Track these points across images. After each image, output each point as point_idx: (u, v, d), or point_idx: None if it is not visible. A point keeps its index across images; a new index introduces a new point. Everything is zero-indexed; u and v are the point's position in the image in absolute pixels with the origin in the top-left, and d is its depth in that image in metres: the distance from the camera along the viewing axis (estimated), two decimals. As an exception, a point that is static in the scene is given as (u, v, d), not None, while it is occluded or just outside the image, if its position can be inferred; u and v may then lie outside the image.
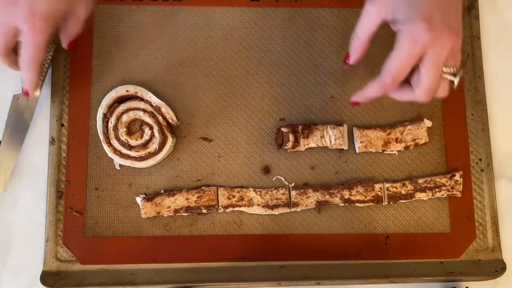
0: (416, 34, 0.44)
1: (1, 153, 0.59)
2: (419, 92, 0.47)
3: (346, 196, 0.58)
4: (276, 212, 0.58)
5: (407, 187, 0.59)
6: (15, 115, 0.60)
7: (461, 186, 0.59)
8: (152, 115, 0.57)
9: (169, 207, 0.58)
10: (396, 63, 0.46)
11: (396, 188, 0.59)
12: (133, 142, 0.57)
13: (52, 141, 0.59)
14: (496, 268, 0.58)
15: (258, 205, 0.58)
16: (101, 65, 0.60)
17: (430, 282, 0.58)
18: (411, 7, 0.45)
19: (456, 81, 0.48)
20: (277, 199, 0.58)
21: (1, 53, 0.52)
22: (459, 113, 0.61)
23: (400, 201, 0.59)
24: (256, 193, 0.58)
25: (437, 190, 0.59)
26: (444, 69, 0.47)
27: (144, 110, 0.57)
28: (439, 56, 0.45)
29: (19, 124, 0.59)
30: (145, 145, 0.57)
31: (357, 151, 0.59)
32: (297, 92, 0.60)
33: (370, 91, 0.49)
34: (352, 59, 0.51)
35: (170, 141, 0.57)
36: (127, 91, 0.57)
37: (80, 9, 0.52)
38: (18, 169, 0.60)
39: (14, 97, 0.60)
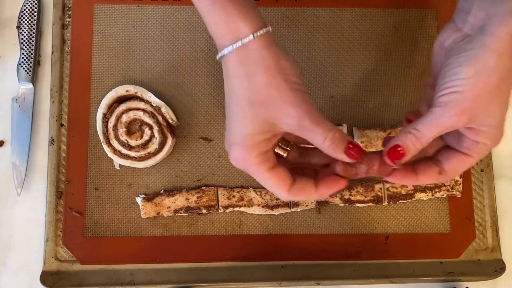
0: (497, 142, 0.42)
1: (13, 156, 0.59)
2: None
3: (346, 196, 0.58)
4: (276, 212, 0.58)
5: (407, 187, 0.59)
6: (16, 117, 0.60)
7: (461, 186, 0.59)
8: (152, 115, 0.57)
9: (169, 207, 0.57)
10: (465, 168, 0.43)
11: (396, 188, 0.59)
12: (133, 142, 0.57)
13: (51, 141, 0.59)
14: (496, 268, 0.58)
15: (258, 205, 0.58)
16: (101, 65, 0.60)
17: (430, 282, 0.58)
18: (499, 121, 0.40)
19: None
20: (277, 199, 0.58)
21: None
22: (459, 113, 0.61)
23: (400, 201, 0.59)
24: (256, 193, 0.58)
25: (437, 190, 0.59)
26: None
27: (144, 110, 0.57)
28: None
29: (22, 125, 0.60)
30: (145, 145, 0.57)
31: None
32: (297, 92, 0.60)
33: (425, 182, 0.43)
34: (407, 159, 0.42)
35: (170, 141, 0.57)
36: (127, 91, 0.57)
37: (280, 123, 0.40)
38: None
39: (12, 100, 0.60)
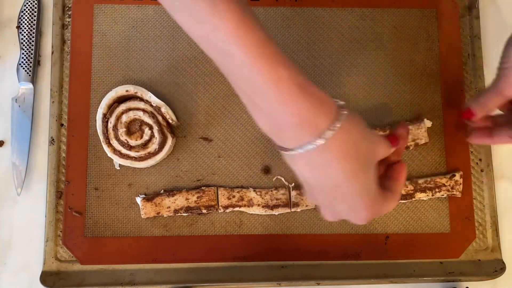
0: None
1: (13, 156, 0.59)
2: None
3: (346, 196, 0.58)
4: (276, 212, 0.58)
5: (407, 187, 0.59)
6: (16, 117, 0.60)
7: (461, 186, 0.59)
8: (152, 115, 0.57)
9: (169, 207, 0.57)
10: None
11: (396, 188, 0.59)
12: (133, 142, 0.57)
13: (51, 141, 0.59)
14: (496, 268, 0.58)
15: (258, 205, 0.58)
16: (101, 65, 0.60)
17: (430, 282, 0.58)
18: None
19: None
20: (277, 199, 0.58)
21: None
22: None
23: (400, 201, 0.59)
24: (256, 193, 0.58)
25: (437, 190, 0.59)
26: None
27: (144, 110, 0.57)
28: None
29: (22, 125, 0.60)
30: (145, 145, 0.57)
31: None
32: (297, 92, 0.60)
33: (500, 142, 0.54)
34: (476, 118, 0.53)
35: (170, 141, 0.57)
36: (127, 91, 0.57)
37: (381, 154, 0.44)
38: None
39: (12, 100, 0.60)
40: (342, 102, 0.40)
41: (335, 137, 0.38)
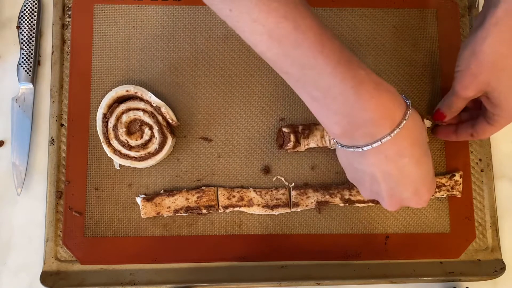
0: (509, 118, 0.50)
1: (13, 156, 0.59)
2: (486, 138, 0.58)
3: (346, 196, 0.58)
4: (276, 212, 0.58)
5: (407, 187, 0.59)
6: (16, 117, 0.60)
7: (461, 186, 0.59)
8: (152, 115, 0.57)
9: (169, 207, 0.58)
10: (492, 132, 0.53)
11: (396, 188, 0.59)
12: (133, 142, 0.57)
13: (51, 141, 0.59)
14: (496, 268, 0.58)
15: (258, 205, 0.58)
16: (101, 65, 0.60)
17: (430, 282, 0.58)
18: (508, 94, 0.48)
19: None
20: (277, 199, 0.58)
21: None
22: (459, 113, 0.61)
23: (400, 201, 0.59)
24: (256, 193, 0.58)
25: (437, 190, 0.59)
26: None
27: (144, 110, 0.57)
28: None
29: (22, 125, 0.60)
30: (145, 145, 0.57)
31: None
32: (297, 92, 0.60)
33: (463, 138, 0.56)
34: (447, 121, 0.56)
35: (170, 141, 0.57)
36: (127, 91, 0.57)
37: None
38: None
39: (12, 100, 0.60)
40: (406, 98, 0.44)
41: (406, 126, 0.42)
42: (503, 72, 0.47)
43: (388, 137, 0.42)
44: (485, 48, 0.46)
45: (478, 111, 0.55)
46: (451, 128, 0.57)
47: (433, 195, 0.59)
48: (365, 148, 0.43)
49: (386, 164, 0.44)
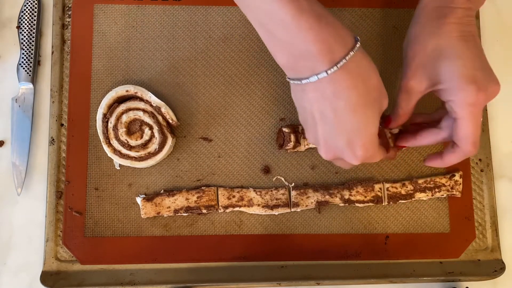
0: (471, 98, 0.45)
1: (13, 156, 0.59)
2: (467, 145, 0.47)
3: (346, 196, 0.58)
4: (276, 212, 0.58)
5: (407, 187, 0.59)
6: (16, 117, 0.60)
7: (461, 186, 0.59)
8: (152, 115, 0.57)
9: (169, 207, 0.58)
10: (470, 130, 0.46)
11: (396, 188, 0.59)
12: (133, 142, 0.57)
13: (51, 141, 0.59)
14: (495, 268, 0.58)
15: (258, 205, 0.58)
16: (101, 65, 0.60)
17: (430, 282, 0.59)
18: (454, 76, 0.45)
19: None
20: (277, 199, 0.58)
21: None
22: (459, 113, 0.61)
23: (400, 201, 0.59)
24: (256, 193, 0.58)
25: (437, 190, 0.59)
26: None
27: (144, 110, 0.57)
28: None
29: (22, 125, 0.60)
30: (145, 145, 0.57)
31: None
32: (297, 92, 0.60)
33: (452, 161, 0.50)
34: (395, 125, 0.52)
35: (170, 141, 0.57)
36: (127, 91, 0.57)
37: (384, 107, 0.46)
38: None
39: (12, 100, 0.60)
40: (358, 38, 0.43)
41: (347, 68, 0.41)
42: (444, 51, 0.46)
43: (324, 74, 0.41)
44: (415, 30, 0.48)
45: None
46: (437, 153, 0.52)
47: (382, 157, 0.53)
48: (303, 81, 0.42)
49: (323, 103, 0.42)
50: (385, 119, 0.53)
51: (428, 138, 0.50)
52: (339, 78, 0.41)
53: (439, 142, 0.50)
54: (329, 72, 0.40)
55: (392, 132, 0.53)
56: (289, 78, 0.44)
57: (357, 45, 0.42)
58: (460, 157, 0.49)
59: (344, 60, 0.41)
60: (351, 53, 0.41)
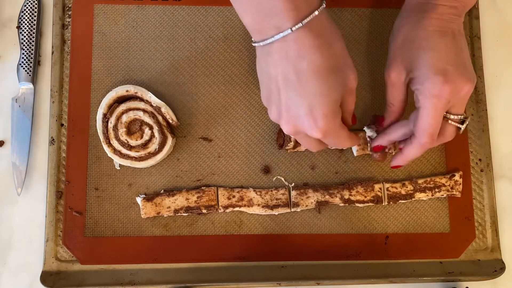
0: (435, 89, 0.46)
1: (13, 156, 0.59)
2: (423, 135, 0.48)
3: (346, 196, 0.58)
4: (276, 212, 0.58)
5: (407, 187, 0.59)
6: (16, 117, 0.60)
7: (461, 186, 0.59)
8: (152, 115, 0.57)
9: (169, 207, 0.58)
10: (429, 121, 0.47)
11: (396, 188, 0.59)
12: (133, 142, 0.57)
13: (51, 141, 0.59)
14: (495, 268, 0.58)
15: (258, 205, 0.58)
16: (101, 65, 0.60)
17: (430, 282, 0.59)
18: (424, 65, 0.47)
19: (462, 128, 0.50)
20: (277, 199, 0.58)
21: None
22: (459, 113, 0.61)
23: (400, 201, 0.59)
24: (256, 193, 0.58)
25: (437, 190, 0.59)
26: (452, 117, 0.49)
27: (144, 110, 0.57)
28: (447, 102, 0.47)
29: (22, 125, 0.60)
30: (145, 145, 0.57)
31: (355, 154, 0.59)
32: (297, 92, 0.60)
33: (411, 153, 0.51)
34: (388, 122, 0.53)
35: (170, 141, 0.57)
36: (127, 91, 0.57)
37: (350, 82, 0.45)
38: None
39: (12, 100, 0.60)
40: (324, 1, 0.43)
41: (311, 26, 0.41)
42: (420, 42, 0.48)
43: (289, 31, 0.41)
44: (397, 23, 0.50)
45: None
46: (398, 153, 0.53)
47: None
48: (268, 41, 0.42)
49: (287, 65, 0.42)
50: (378, 119, 0.54)
51: (398, 130, 0.52)
52: (303, 37, 0.41)
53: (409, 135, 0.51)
54: (293, 28, 0.41)
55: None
56: (255, 42, 0.44)
57: (323, 6, 0.42)
58: (417, 148, 0.49)
59: (309, 18, 0.41)
60: (316, 12, 0.41)
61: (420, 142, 0.48)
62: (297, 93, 0.43)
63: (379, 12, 0.62)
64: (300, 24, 0.40)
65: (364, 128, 0.56)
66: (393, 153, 0.57)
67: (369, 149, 0.56)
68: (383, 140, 0.54)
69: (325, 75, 0.42)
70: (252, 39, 0.45)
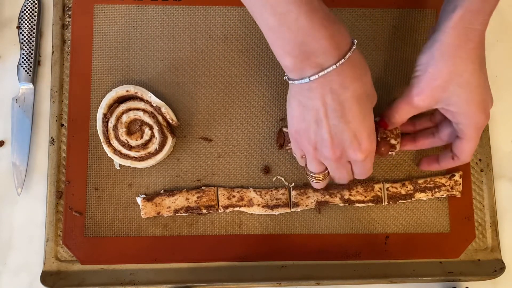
0: (481, 124, 0.50)
1: (13, 156, 0.59)
2: (467, 158, 0.53)
3: (346, 196, 0.58)
4: (276, 212, 0.58)
5: (407, 187, 0.59)
6: (17, 117, 0.60)
7: (461, 186, 0.59)
8: (152, 115, 0.57)
9: (169, 207, 0.58)
10: (474, 147, 0.52)
11: (396, 188, 0.59)
12: (133, 142, 0.57)
13: (52, 141, 0.59)
14: (495, 268, 0.58)
15: (258, 205, 0.58)
16: (101, 65, 0.60)
17: (430, 282, 0.59)
18: (465, 101, 0.48)
19: None
20: (277, 199, 0.58)
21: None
22: (459, 113, 0.61)
23: (400, 201, 0.59)
24: (256, 193, 0.58)
25: (436, 190, 0.59)
26: None
27: (144, 110, 0.57)
28: None
29: (22, 125, 0.60)
30: (145, 145, 0.57)
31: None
32: (297, 92, 0.60)
33: (448, 166, 0.56)
34: (391, 127, 0.54)
35: (170, 141, 0.57)
36: (127, 91, 0.57)
37: (374, 102, 0.50)
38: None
39: (12, 100, 0.60)
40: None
41: (351, 61, 0.44)
42: (462, 77, 0.47)
43: (334, 67, 0.43)
44: (444, 52, 0.47)
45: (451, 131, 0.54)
46: (432, 157, 0.57)
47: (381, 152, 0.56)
48: (312, 78, 0.44)
49: (331, 97, 0.45)
50: (380, 121, 0.54)
51: (427, 145, 0.56)
52: (346, 70, 0.44)
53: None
54: (338, 64, 0.43)
55: (394, 132, 0.55)
56: (292, 80, 0.46)
57: (355, 41, 0.46)
58: (457, 164, 0.54)
59: (349, 53, 0.44)
60: (354, 47, 0.45)
61: (463, 162, 0.53)
62: (341, 120, 0.46)
63: (379, 12, 0.62)
64: (343, 60, 0.44)
65: None
66: (393, 154, 0.57)
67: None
68: (408, 147, 0.57)
69: (364, 102, 0.47)
70: (287, 76, 0.47)
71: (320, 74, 0.44)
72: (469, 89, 0.48)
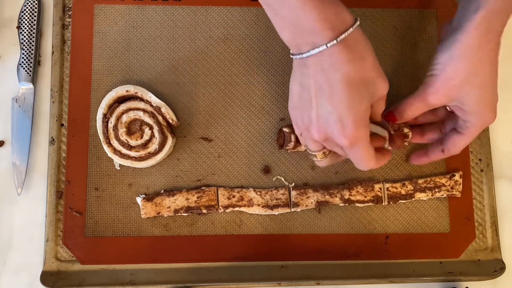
0: (488, 122, 0.51)
1: (13, 156, 0.59)
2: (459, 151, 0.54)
3: (346, 196, 0.58)
4: (276, 212, 0.58)
5: (407, 187, 0.59)
6: (17, 117, 0.60)
7: (461, 186, 0.59)
8: (152, 115, 0.57)
9: (169, 207, 0.58)
10: (467, 144, 0.53)
11: (396, 188, 0.59)
12: (133, 142, 0.57)
13: (51, 141, 0.59)
14: (495, 268, 0.58)
15: (258, 205, 0.58)
16: (101, 65, 0.60)
17: (430, 282, 0.59)
18: (478, 102, 0.49)
19: None
20: (277, 199, 0.58)
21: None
22: (459, 113, 0.61)
23: (400, 201, 0.59)
24: (256, 193, 0.58)
25: (436, 190, 0.59)
26: None
27: (144, 110, 0.57)
28: None
29: (22, 125, 0.60)
30: (145, 145, 0.57)
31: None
32: (297, 92, 0.60)
33: (437, 158, 0.56)
34: (397, 122, 0.54)
35: (170, 141, 0.57)
36: (127, 91, 0.57)
37: (380, 91, 0.47)
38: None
39: (12, 100, 0.60)
40: (358, 18, 0.45)
41: (345, 43, 0.43)
42: (478, 78, 0.47)
43: (324, 47, 0.43)
44: (464, 52, 0.47)
45: (441, 125, 0.55)
46: (421, 151, 0.58)
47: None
48: (305, 55, 0.44)
49: (321, 76, 0.44)
50: (388, 114, 0.53)
51: (435, 140, 0.56)
52: (337, 51, 0.43)
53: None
54: (328, 45, 0.43)
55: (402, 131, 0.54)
56: (292, 54, 0.47)
57: (356, 24, 0.45)
58: (446, 156, 0.55)
59: (342, 36, 0.43)
60: (350, 30, 0.44)
61: (452, 154, 0.54)
62: (329, 102, 0.45)
63: (379, 12, 0.62)
64: (335, 41, 0.43)
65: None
66: (407, 144, 0.56)
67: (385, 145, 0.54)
68: (424, 161, 0.58)
69: (356, 86, 0.45)
70: (290, 51, 0.47)
71: (312, 52, 0.44)
72: (484, 89, 0.48)
